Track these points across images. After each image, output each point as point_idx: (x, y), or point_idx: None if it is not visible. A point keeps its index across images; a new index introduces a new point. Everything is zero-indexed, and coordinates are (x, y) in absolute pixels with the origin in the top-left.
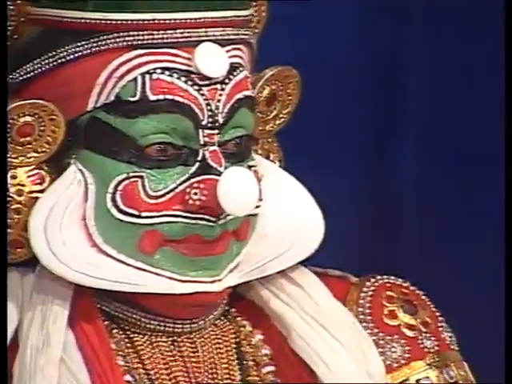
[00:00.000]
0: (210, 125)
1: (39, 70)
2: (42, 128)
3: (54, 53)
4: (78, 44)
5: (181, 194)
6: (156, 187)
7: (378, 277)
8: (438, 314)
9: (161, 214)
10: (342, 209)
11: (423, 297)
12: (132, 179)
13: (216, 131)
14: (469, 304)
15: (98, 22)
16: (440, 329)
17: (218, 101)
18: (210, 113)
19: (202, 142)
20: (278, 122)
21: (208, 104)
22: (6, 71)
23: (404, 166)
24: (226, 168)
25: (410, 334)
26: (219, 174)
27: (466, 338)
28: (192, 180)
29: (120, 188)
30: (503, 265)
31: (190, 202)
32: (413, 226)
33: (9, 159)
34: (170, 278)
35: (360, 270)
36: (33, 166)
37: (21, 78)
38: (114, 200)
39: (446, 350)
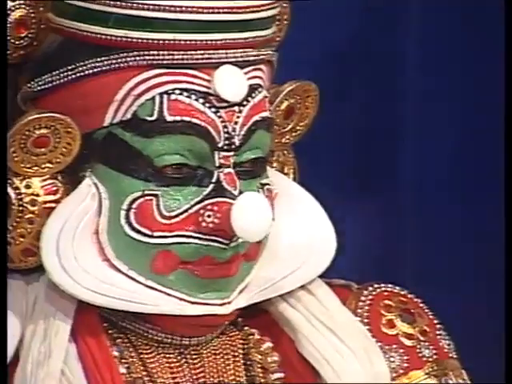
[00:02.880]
0: (226, 147)
1: (58, 81)
2: (57, 140)
3: (73, 66)
4: (98, 59)
5: (194, 215)
6: (170, 207)
7: (376, 285)
8: (436, 321)
9: (173, 234)
10: (343, 208)
11: (421, 304)
12: (147, 197)
13: (232, 153)
14: (469, 308)
15: (118, 39)
16: (438, 337)
17: (235, 123)
18: (226, 135)
19: (217, 164)
20: (294, 134)
21: (225, 126)
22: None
23: (405, 167)
24: (240, 192)
25: (408, 343)
26: (233, 197)
27: (465, 343)
28: (206, 202)
29: (134, 206)
30: (503, 267)
31: (203, 224)
32: (412, 228)
33: (23, 169)
34: (180, 299)
35: (359, 275)
36: (47, 176)
37: (39, 88)
38: (127, 217)
39: (444, 359)
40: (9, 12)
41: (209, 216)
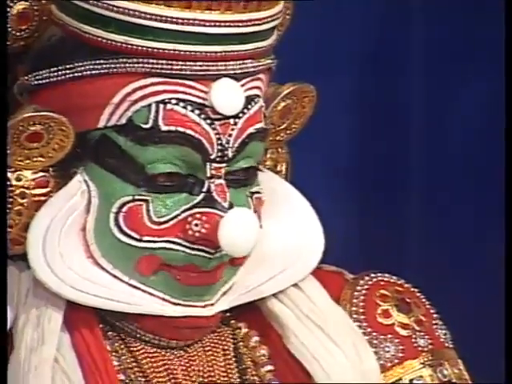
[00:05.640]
0: (218, 159)
1: (55, 78)
2: (50, 136)
3: (71, 65)
4: (97, 61)
5: (182, 221)
6: (160, 212)
7: (372, 274)
8: (432, 311)
9: (161, 239)
10: (343, 207)
11: (418, 294)
12: (137, 202)
13: (224, 165)
14: (469, 308)
15: (118, 44)
16: (434, 326)
17: (230, 135)
18: (219, 147)
19: (208, 175)
20: (288, 132)
21: (219, 139)
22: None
23: (407, 165)
24: (230, 204)
25: (403, 333)
26: (223, 209)
27: (465, 338)
28: (195, 210)
29: (124, 210)
30: (503, 267)
31: (190, 232)
32: (413, 226)
33: (15, 162)
34: (163, 300)
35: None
36: (38, 169)
37: (36, 82)
38: (116, 220)
39: (440, 348)
40: (11, 4)
41: (196, 225)
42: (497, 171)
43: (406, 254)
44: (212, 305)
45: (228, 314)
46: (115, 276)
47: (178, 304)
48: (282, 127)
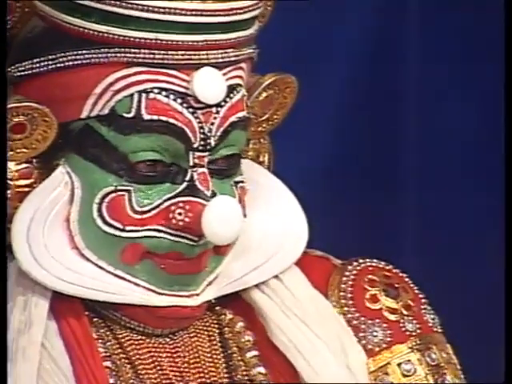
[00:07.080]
0: (201, 147)
1: (38, 69)
2: (34, 127)
3: (53, 56)
4: (79, 52)
5: (165, 210)
6: (142, 202)
7: (361, 260)
8: (421, 296)
9: (144, 228)
10: (342, 207)
11: (406, 279)
12: (119, 193)
13: (207, 153)
14: (469, 308)
15: (100, 34)
16: (423, 311)
17: (212, 124)
18: (202, 136)
19: (191, 164)
20: (270, 122)
21: (201, 127)
22: (5, 70)
23: (405, 166)
24: (213, 192)
25: (391, 317)
26: (205, 198)
27: (465, 338)
28: (178, 199)
29: (107, 200)
30: (503, 267)
31: (173, 220)
32: (412, 227)
33: None
34: (148, 289)
35: None
36: (22, 160)
37: (19, 74)
38: (99, 210)
39: (428, 333)
40: None
41: (179, 214)
42: (497, 171)
43: (405, 254)
44: (197, 295)
45: (213, 301)
46: (100, 267)
47: (164, 294)
48: (263, 118)
